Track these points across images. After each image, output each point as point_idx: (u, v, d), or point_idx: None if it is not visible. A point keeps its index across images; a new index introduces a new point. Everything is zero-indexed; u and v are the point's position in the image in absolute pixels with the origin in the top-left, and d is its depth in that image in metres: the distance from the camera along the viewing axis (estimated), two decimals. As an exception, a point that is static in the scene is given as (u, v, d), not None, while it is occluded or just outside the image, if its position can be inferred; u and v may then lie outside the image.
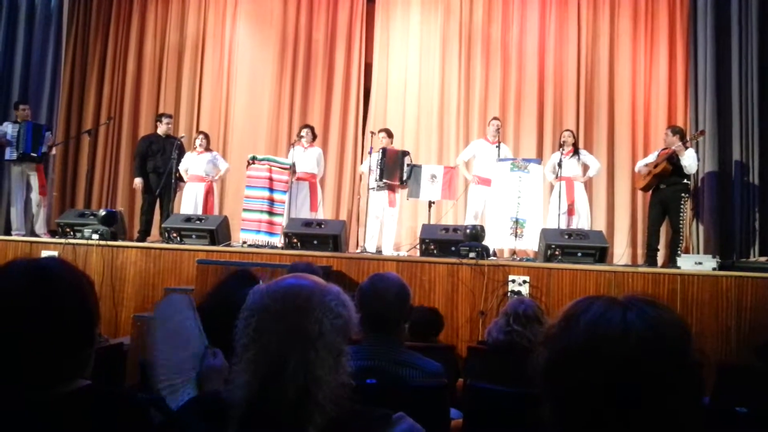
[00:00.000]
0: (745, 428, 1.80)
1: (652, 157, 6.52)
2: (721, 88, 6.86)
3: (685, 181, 6.21)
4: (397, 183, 6.81)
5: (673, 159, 6.14)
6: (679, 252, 5.95)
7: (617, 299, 0.98)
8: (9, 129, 7.14)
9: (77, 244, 5.79)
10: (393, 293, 2.05)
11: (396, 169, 6.78)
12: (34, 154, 7.11)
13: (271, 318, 1.08)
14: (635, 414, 0.89)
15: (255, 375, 1.04)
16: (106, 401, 1.19)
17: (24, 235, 6.86)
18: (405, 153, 6.95)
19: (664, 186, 6.25)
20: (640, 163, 6.64)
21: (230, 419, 1.04)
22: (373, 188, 6.81)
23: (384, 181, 6.73)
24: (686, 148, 6.11)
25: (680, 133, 6.34)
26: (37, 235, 6.96)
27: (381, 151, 6.82)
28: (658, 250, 6.40)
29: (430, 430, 1.54)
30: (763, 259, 5.96)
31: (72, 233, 6.14)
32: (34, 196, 7.25)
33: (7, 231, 7.28)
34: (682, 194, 6.16)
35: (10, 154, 7.12)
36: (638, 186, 6.71)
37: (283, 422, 1.02)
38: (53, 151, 7.75)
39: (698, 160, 6.43)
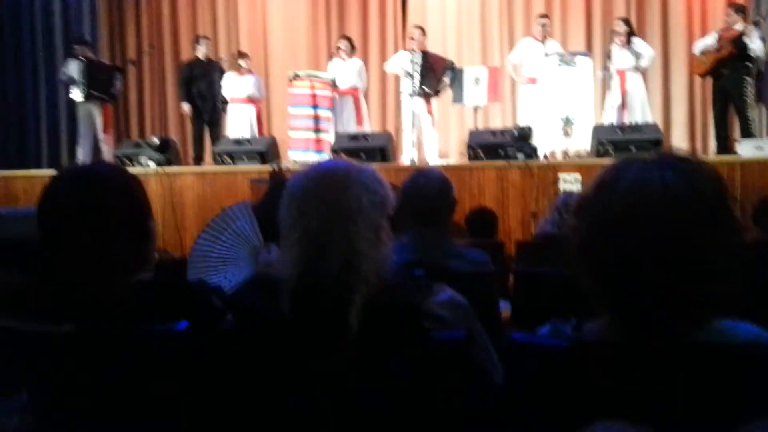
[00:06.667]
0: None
1: (711, 39, 6.09)
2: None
3: (748, 63, 5.82)
4: (433, 93, 6.42)
5: (737, 41, 5.74)
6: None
7: (651, 160, 0.97)
8: (73, 67, 7.01)
9: (136, 173, 5.99)
10: (435, 186, 2.08)
11: (439, 80, 6.40)
12: (105, 96, 7.09)
13: (311, 199, 1.13)
14: (676, 274, 0.90)
15: (301, 252, 1.12)
16: (170, 290, 1.29)
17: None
18: (452, 65, 6.48)
19: (726, 71, 5.86)
20: (699, 44, 6.20)
21: (282, 293, 1.12)
22: (410, 93, 6.36)
23: (423, 87, 6.29)
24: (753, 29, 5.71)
25: (743, 12, 5.89)
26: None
27: (421, 53, 6.36)
28: (728, 138, 6.09)
29: (480, 317, 1.59)
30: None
31: (131, 163, 6.36)
32: (100, 134, 7.29)
33: (73, 168, 7.51)
34: (745, 77, 5.79)
35: (76, 93, 7.04)
36: (696, 71, 6.33)
37: (330, 292, 1.10)
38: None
39: (765, 41, 5.99)
